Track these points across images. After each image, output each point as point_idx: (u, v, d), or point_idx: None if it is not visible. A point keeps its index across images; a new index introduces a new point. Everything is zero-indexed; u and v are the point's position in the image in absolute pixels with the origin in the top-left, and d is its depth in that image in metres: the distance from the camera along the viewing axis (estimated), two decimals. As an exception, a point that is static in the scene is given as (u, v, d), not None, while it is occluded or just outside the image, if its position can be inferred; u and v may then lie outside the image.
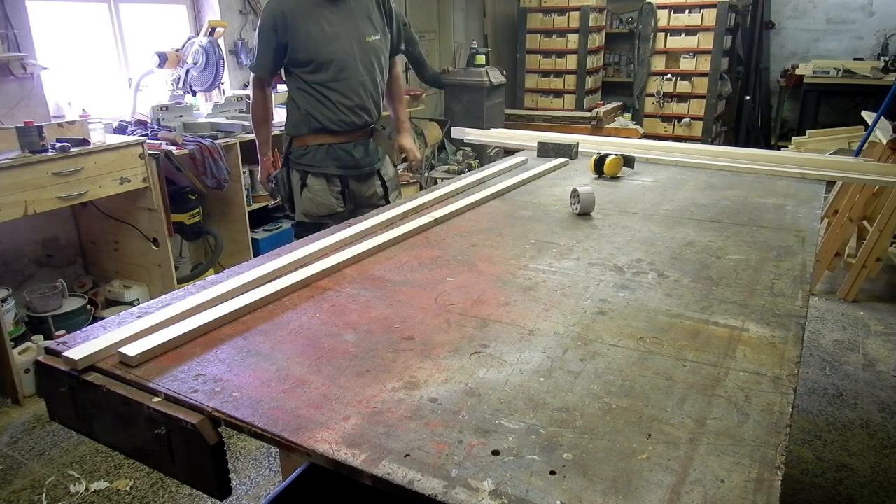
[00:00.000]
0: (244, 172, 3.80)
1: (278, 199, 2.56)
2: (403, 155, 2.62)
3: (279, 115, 4.17)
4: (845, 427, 2.64)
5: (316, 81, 2.32)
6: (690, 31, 6.93)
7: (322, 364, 1.06)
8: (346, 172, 2.47)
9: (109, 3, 3.70)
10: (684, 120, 7.15)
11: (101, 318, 1.73)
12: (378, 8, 2.42)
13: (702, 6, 6.77)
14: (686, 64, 7.04)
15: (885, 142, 3.82)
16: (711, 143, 6.92)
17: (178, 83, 3.75)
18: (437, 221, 1.81)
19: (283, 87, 4.45)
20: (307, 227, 2.35)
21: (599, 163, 2.35)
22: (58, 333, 2.95)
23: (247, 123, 3.76)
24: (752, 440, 0.86)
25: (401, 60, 2.48)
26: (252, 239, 3.90)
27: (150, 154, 3.14)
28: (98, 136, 3.08)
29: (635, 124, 6.98)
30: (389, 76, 2.54)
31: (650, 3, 6.97)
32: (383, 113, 2.62)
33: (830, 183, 2.79)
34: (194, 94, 3.89)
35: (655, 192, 2.18)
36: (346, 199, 2.51)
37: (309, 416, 0.91)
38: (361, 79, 2.38)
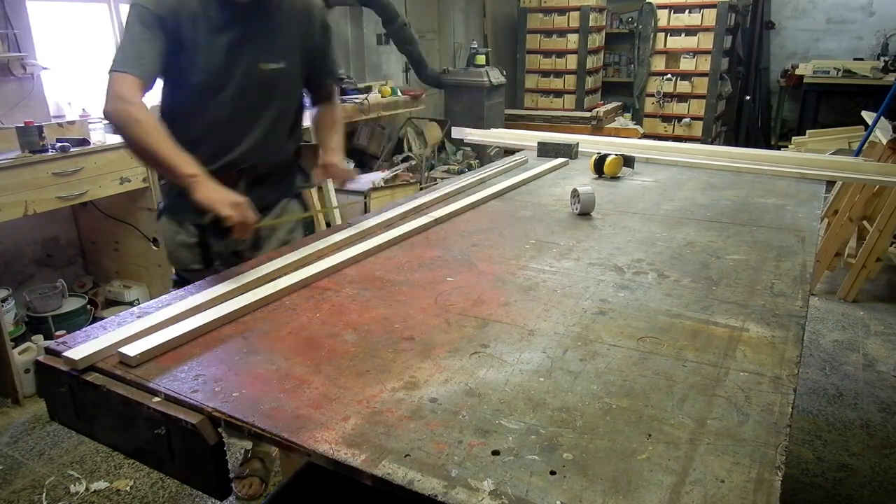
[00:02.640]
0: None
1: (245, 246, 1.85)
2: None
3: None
4: (845, 427, 2.64)
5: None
6: (690, 31, 6.93)
7: (322, 364, 1.06)
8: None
9: (109, 3, 3.70)
10: (684, 120, 7.15)
11: (101, 318, 1.73)
12: (298, 27, 1.78)
13: (702, 6, 6.78)
14: (686, 64, 7.04)
15: (885, 142, 3.82)
16: (711, 143, 6.92)
17: (178, 83, 3.75)
18: (437, 221, 1.81)
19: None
20: None
21: (599, 163, 2.35)
22: (58, 333, 2.95)
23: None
24: (752, 440, 0.86)
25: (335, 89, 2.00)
26: (252, 239, 3.89)
27: (150, 154, 3.14)
28: (98, 136, 3.08)
29: (635, 124, 6.98)
30: (320, 105, 1.99)
31: (650, 3, 6.97)
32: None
33: (830, 183, 2.79)
34: (194, 94, 3.88)
35: (655, 192, 2.18)
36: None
37: (309, 416, 0.91)
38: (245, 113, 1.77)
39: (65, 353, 1.06)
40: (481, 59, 5.79)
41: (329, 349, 1.11)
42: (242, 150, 1.76)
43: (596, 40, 7.33)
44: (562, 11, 7.03)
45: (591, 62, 7.24)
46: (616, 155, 2.36)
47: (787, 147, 5.92)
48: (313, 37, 1.82)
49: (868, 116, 4.51)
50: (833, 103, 7.10)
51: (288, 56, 1.76)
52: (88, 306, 3.25)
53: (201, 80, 1.66)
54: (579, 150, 2.73)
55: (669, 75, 7.12)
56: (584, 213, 1.90)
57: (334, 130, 1.96)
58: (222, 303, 1.26)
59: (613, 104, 7.22)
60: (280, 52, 1.73)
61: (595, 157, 2.39)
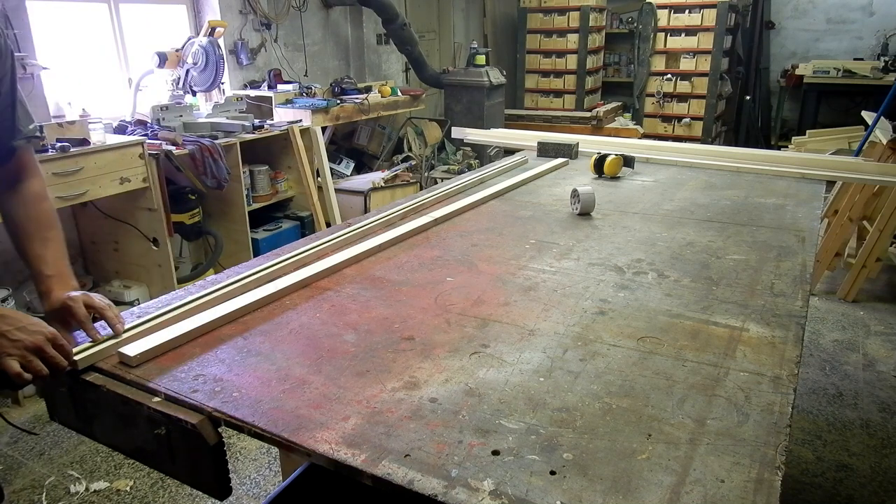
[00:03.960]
0: (244, 172, 3.81)
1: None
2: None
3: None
4: (845, 427, 2.64)
5: None
6: (690, 31, 6.93)
7: (322, 364, 1.06)
8: None
9: (109, 3, 3.70)
10: (684, 120, 7.15)
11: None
12: None
13: (702, 6, 6.78)
14: (686, 64, 7.05)
15: (885, 142, 3.82)
16: (711, 143, 6.92)
17: (178, 83, 3.75)
18: (437, 221, 1.81)
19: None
20: None
21: (599, 163, 2.35)
22: (58, 333, 2.94)
23: (246, 123, 3.76)
24: (752, 440, 0.86)
25: (30, 162, 1.24)
26: (252, 239, 3.90)
27: (150, 154, 3.14)
28: (98, 136, 3.08)
29: (635, 124, 6.98)
30: (11, 185, 1.24)
31: (650, 3, 6.97)
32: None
33: (830, 183, 2.79)
34: (194, 94, 3.89)
35: (655, 192, 2.18)
36: None
37: (309, 416, 0.91)
38: None
39: (65, 353, 1.05)
40: (481, 59, 5.80)
41: (329, 349, 1.11)
42: None
43: (596, 40, 7.34)
44: (562, 11, 7.04)
45: (591, 62, 7.25)
46: (616, 155, 2.36)
47: (787, 147, 5.92)
48: None
49: (868, 116, 4.51)
50: (833, 103, 7.11)
51: None
52: (88, 306, 3.25)
53: None
54: (579, 150, 2.73)
55: (669, 75, 7.12)
56: (584, 213, 1.89)
57: (47, 236, 1.23)
58: (222, 303, 1.26)
59: (613, 104, 7.22)
60: None
61: (595, 157, 2.39)
